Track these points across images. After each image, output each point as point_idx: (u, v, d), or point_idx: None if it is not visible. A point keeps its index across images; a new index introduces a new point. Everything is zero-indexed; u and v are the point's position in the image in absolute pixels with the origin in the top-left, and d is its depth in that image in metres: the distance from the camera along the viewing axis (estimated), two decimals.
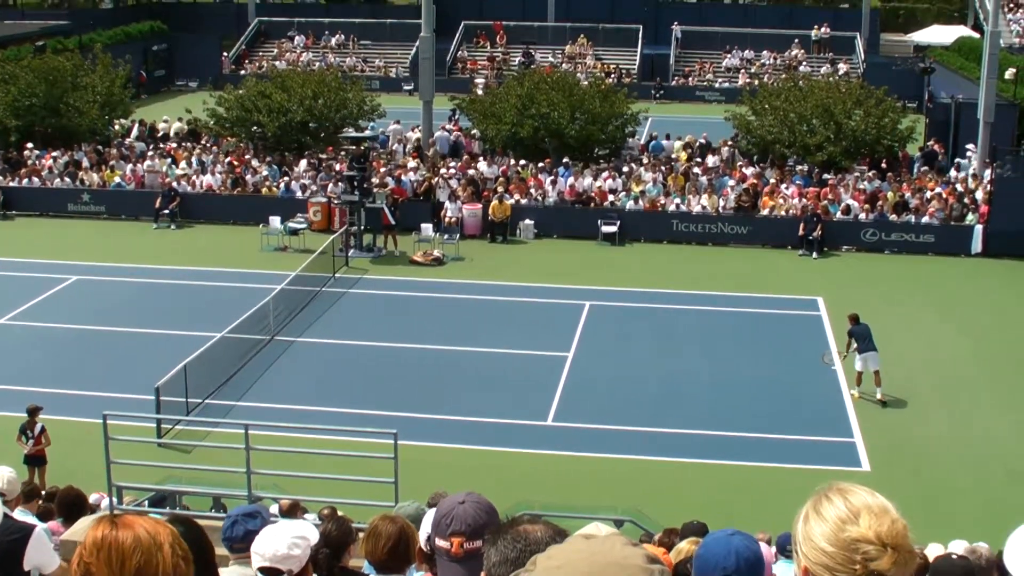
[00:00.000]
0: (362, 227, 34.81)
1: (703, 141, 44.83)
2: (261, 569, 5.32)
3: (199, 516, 14.63)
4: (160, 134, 47.88)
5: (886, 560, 2.90)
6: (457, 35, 67.51)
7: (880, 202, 36.73)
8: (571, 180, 38.40)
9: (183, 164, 41.44)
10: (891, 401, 24.39)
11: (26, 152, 42.22)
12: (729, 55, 66.90)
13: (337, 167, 39.14)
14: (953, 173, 40.28)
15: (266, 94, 42.48)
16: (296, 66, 57.61)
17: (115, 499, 16.20)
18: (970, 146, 43.11)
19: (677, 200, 37.56)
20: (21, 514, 10.61)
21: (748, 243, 36.05)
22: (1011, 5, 67.71)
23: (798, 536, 3.05)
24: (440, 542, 4.01)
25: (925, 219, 35.90)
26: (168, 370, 22.83)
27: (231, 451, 17.89)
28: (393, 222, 34.95)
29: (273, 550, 5.30)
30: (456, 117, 47.63)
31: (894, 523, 2.94)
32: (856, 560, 2.91)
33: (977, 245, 35.14)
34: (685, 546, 9.77)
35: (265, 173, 40.02)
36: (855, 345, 24.57)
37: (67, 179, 40.19)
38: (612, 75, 61.08)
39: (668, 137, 45.86)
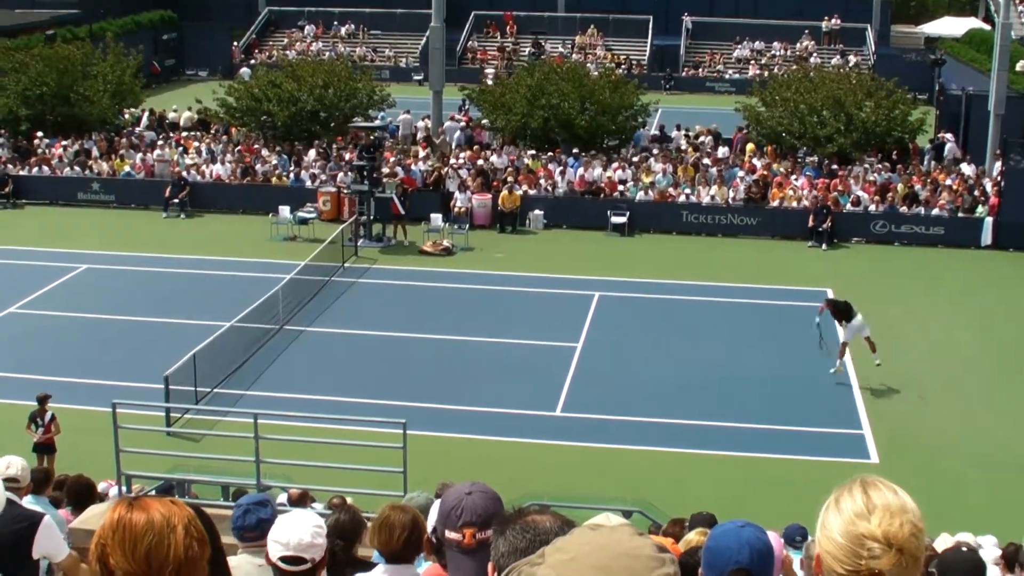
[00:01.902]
0: (371, 217, 34.82)
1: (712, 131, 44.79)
2: (284, 558, 5.30)
3: (208, 505, 14.67)
4: (168, 123, 47.91)
5: (886, 560, 2.88)
6: (467, 25, 67.43)
7: (890, 194, 36.65)
8: (580, 170, 38.37)
9: (193, 153, 41.49)
10: (900, 393, 24.39)
11: (36, 141, 42.30)
12: (739, 46, 66.74)
13: (347, 156, 39.16)
14: (965, 167, 40.10)
15: (276, 83, 42.50)
16: (306, 55, 57.59)
17: (124, 487, 16.23)
18: (948, 135, 43.08)
19: (687, 191, 37.52)
20: (34, 502, 10.64)
21: (758, 234, 36.00)
22: None
23: (818, 523, 3.04)
24: (451, 534, 4.01)
25: (935, 211, 35.82)
26: (177, 359, 22.85)
27: (240, 440, 17.95)
28: (403, 212, 34.94)
29: (298, 538, 5.29)
30: (466, 107, 47.62)
31: (903, 525, 2.91)
32: (861, 556, 2.90)
33: (987, 237, 35.04)
34: (694, 537, 9.70)
35: (275, 162, 40.03)
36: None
37: (77, 168, 40.24)
38: (622, 66, 61.01)
39: (678, 128, 45.83)
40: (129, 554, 3.26)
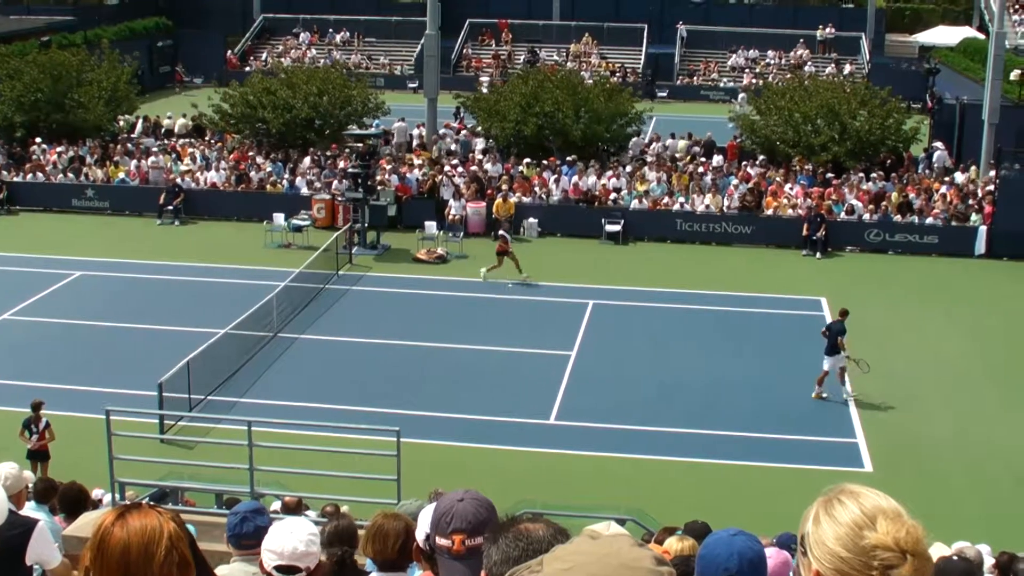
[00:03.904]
0: (365, 224, 34.79)
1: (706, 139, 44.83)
2: (279, 568, 5.27)
3: (201, 512, 14.66)
4: (163, 130, 47.88)
5: (907, 568, 2.85)
6: (462, 33, 67.49)
7: (884, 203, 36.68)
8: (575, 178, 38.37)
9: (187, 160, 41.45)
10: (894, 402, 24.39)
11: (32, 147, 42.23)
12: (734, 54, 66.81)
13: (341, 164, 39.15)
14: (958, 175, 40.15)
15: (271, 91, 42.48)
16: (301, 63, 57.54)
17: (117, 495, 16.20)
18: (938, 143, 43.19)
19: (681, 199, 37.54)
20: (36, 509, 10.64)
21: (752, 243, 36.00)
22: (1016, 6, 67.59)
23: (809, 539, 2.98)
24: (441, 540, 4.00)
25: (929, 220, 35.85)
26: (171, 366, 22.83)
27: (233, 448, 17.91)
28: (509, 247, 32.45)
29: (292, 547, 5.26)
30: (461, 115, 47.63)
31: (910, 530, 2.89)
32: (873, 566, 2.86)
33: (981, 246, 35.08)
34: (675, 543, 9.58)
35: (269, 170, 40.01)
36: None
37: (71, 174, 40.20)
38: (617, 74, 61.05)
39: (673, 136, 45.83)
40: (107, 569, 3.24)
